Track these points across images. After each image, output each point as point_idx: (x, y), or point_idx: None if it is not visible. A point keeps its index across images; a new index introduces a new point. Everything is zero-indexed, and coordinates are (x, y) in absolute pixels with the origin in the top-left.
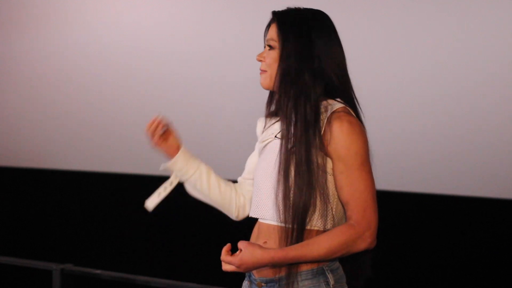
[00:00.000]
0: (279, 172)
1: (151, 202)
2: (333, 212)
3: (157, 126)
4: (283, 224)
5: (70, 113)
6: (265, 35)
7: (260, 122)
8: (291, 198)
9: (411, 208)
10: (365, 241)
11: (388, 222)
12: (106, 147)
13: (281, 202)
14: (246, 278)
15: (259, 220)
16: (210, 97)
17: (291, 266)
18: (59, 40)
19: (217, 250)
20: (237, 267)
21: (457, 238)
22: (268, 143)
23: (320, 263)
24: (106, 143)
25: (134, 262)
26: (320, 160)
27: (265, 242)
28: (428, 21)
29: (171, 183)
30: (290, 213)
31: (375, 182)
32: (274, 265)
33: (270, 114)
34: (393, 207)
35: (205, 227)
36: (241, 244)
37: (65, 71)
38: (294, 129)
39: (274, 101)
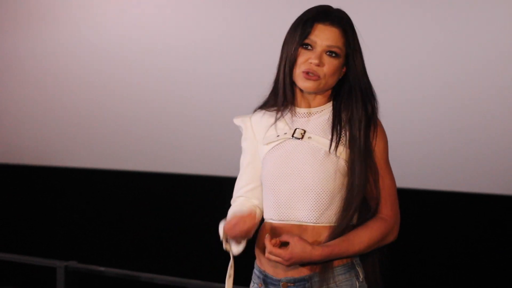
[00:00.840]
0: (342, 178)
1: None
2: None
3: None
4: (325, 224)
5: (75, 110)
6: (308, 32)
7: (248, 121)
8: (347, 203)
9: (411, 205)
10: (393, 234)
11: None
12: (110, 144)
13: (333, 206)
14: (256, 281)
15: (278, 221)
16: (212, 93)
17: (326, 262)
18: (61, 38)
19: (220, 247)
20: (286, 260)
21: (458, 235)
22: (279, 143)
23: (351, 258)
24: (110, 140)
25: (138, 259)
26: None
27: None
28: (438, 20)
29: (231, 266)
30: (344, 216)
31: None
32: (316, 262)
33: (265, 109)
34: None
35: (210, 224)
36: (290, 238)
37: (68, 68)
38: (360, 140)
39: (283, 96)
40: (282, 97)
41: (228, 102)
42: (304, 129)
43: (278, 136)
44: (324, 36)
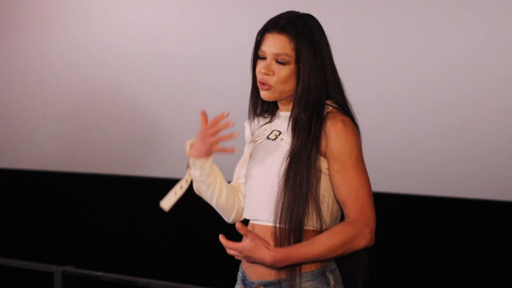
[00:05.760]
0: (283, 177)
1: (168, 202)
2: (330, 212)
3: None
4: (280, 225)
5: (73, 115)
6: (259, 43)
7: (248, 125)
8: (290, 202)
9: (410, 210)
10: (365, 238)
11: (386, 225)
12: (107, 149)
13: (279, 205)
14: (238, 282)
15: (251, 221)
16: (210, 100)
17: (293, 267)
18: (60, 42)
19: (217, 253)
20: (239, 252)
21: (457, 241)
22: (258, 143)
23: (321, 264)
24: (108, 145)
25: (135, 264)
26: (318, 164)
27: None
28: (432, 23)
29: (187, 180)
30: (288, 216)
31: (375, 183)
32: (275, 265)
33: (256, 116)
34: (393, 209)
35: (205, 230)
36: (249, 235)
37: (67, 73)
38: (301, 140)
39: (259, 103)
40: (250, 107)
41: (224, 108)
42: (280, 130)
43: (258, 137)
44: (271, 45)
